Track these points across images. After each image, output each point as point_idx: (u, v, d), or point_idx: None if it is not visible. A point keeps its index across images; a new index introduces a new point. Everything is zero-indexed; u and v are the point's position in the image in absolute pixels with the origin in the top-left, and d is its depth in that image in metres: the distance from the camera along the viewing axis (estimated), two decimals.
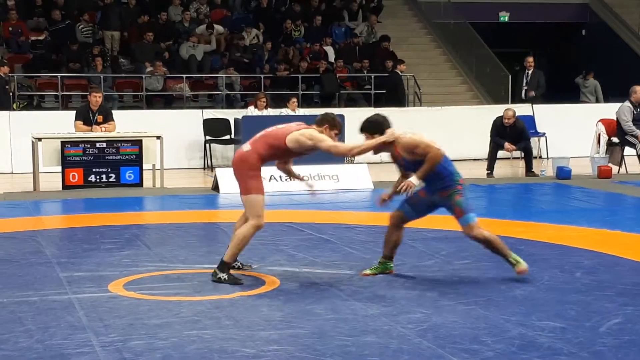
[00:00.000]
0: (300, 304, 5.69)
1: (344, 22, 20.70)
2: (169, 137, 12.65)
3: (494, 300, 5.77)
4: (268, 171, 11.68)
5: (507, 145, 12.91)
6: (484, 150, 13.56)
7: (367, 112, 16.11)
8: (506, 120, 12.95)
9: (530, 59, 16.97)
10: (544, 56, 22.52)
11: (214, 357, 4.58)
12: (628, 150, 13.19)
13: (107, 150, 11.66)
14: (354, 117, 14.88)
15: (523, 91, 16.94)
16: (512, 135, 12.98)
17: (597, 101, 18.52)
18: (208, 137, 14.61)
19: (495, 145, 13.04)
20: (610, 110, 13.53)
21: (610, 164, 12.89)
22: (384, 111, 16.31)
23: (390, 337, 4.93)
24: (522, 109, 15.06)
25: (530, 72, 16.97)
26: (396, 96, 17.34)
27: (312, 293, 5.98)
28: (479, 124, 15.23)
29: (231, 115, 14.85)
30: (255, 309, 5.56)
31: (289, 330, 5.08)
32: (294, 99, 14.71)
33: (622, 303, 5.63)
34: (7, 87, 15.45)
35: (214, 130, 14.70)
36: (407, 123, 15.73)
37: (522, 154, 13.40)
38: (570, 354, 4.58)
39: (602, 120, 13.53)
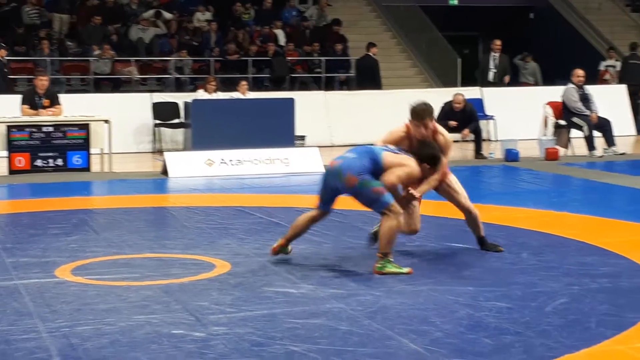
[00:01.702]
0: (251, 287, 5.68)
1: (294, 5, 20.62)
2: (117, 121, 12.51)
3: (442, 281, 5.81)
4: (218, 155, 11.66)
5: (451, 122, 12.90)
6: None
7: (318, 95, 16.22)
8: (457, 105, 13.02)
9: (498, 42, 17.00)
10: (492, 40, 22.68)
11: (163, 341, 4.55)
12: (575, 132, 13.36)
13: (53, 135, 11.51)
14: (305, 100, 14.98)
15: (492, 74, 16.98)
16: (462, 119, 13.05)
17: (536, 83, 18.76)
18: (157, 121, 14.49)
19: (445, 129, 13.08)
20: (557, 92, 13.68)
21: (557, 146, 13.04)
22: (357, 94, 16.41)
23: (340, 319, 4.95)
24: (470, 92, 15.15)
25: (497, 55, 17.03)
26: (373, 80, 17.29)
27: (262, 276, 5.97)
28: None
29: (180, 98, 14.74)
30: (205, 293, 5.53)
31: (239, 313, 5.07)
32: (244, 83, 14.63)
33: (567, 283, 5.71)
34: (5, 70, 15.15)
35: (163, 114, 14.58)
36: (358, 106, 15.85)
37: (472, 137, 13.49)
38: (517, 334, 4.64)
39: (550, 103, 13.68)
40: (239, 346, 4.48)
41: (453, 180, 6.75)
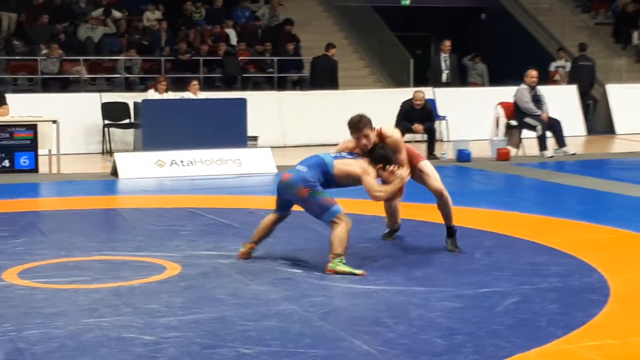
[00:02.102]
0: (202, 289, 5.62)
1: (246, 4, 20.53)
2: (66, 122, 12.34)
3: (395, 282, 5.81)
4: (169, 156, 11.55)
5: (415, 125, 13.00)
6: None
7: (270, 95, 16.16)
8: (417, 102, 13.10)
9: (448, 42, 17.08)
10: (444, 40, 22.83)
11: (112, 345, 4.48)
12: (526, 133, 13.48)
13: (0, 136, 11.30)
14: (257, 100, 14.91)
15: (444, 75, 17.05)
16: (421, 117, 13.13)
17: (484, 84, 18.92)
18: (107, 122, 14.31)
19: (402, 130, 13.12)
20: (508, 93, 13.79)
21: (508, 147, 13.15)
22: (310, 94, 16.36)
23: (292, 320, 4.91)
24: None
25: (447, 56, 17.10)
26: (332, 81, 17.25)
27: (213, 279, 5.91)
28: (381, 107, 15.32)
29: (131, 98, 14.56)
30: (155, 296, 5.46)
31: (189, 316, 5.00)
32: (196, 82, 14.51)
33: (518, 282, 5.74)
34: None
35: (113, 114, 14.41)
36: (311, 106, 15.83)
37: (425, 137, 13.55)
38: (469, 334, 4.64)
39: (501, 104, 13.78)
40: (189, 349, 4.42)
41: (426, 164, 6.91)
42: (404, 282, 5.79)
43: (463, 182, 11.19)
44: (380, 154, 6.42)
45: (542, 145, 13.13)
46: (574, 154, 13.28)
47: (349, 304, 5.24)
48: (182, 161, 11.55)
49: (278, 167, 11.84)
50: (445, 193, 6.87)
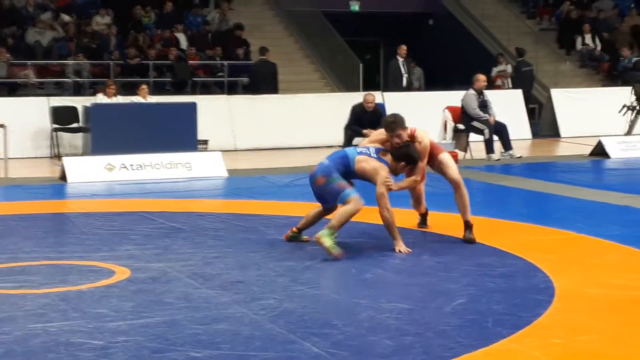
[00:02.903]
0: (151, 293, 5.61)
1: (198, 11, 20.48)
2: (14, 126, 12.22)
3: (344, 284, 5.86)
4: (118, 160, 11.48)
5: (366, 131, 13.08)
6: (336, 137, 13.73)
7: (221, 99, 16.13)
8: (368, 105, 13.19)
9: (404, 47, 17.19)
10: (393, 45, 23.00)
11: (60, 350, 4.45)
12: (473, 137, 13.64)
13: None
14: (208, 104, 14.89)
15: (404, 79, 17.16)
16: (372, 120, 13.21)
17: (420, 88, 19.11)
18: (55, 126, 14.18)
19: (352, 133, 13.22)
20: (456, 97, 13.95)
21: (456, 150, 13.28)
22: (261, 99, 16.35)
23: (242, 324, 4.93)
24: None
25: (403, 60, 17.20)
26: (273, 84, 17.26)
27: (163, 282, 5.90)
28: (331, 112, 15.43)
29: (79, 103, 14.46)
30: (104, 300, 5.43)
31: (139, 320, 4.99)
32: (145, 87, 14.45)
33: (465, 284, 5.82)
34: None
35: (62, 118, 14.28)
36: (262, 111, 15.84)
37: None
38: (417, 334, 4.71)
39: (449, 108, 13.93)
40: (138, 353, 4.41)
41: (445, 156, 7.38)
42: (354, 284, 5.84)
43: None
44: (405, 152, 6.94)
45: (489, 149, 13.30)
46: (520, 157, 13.47)
47: (299, 307, 5.27)
48: (131, 165, 11.49)
49: (228, 170, 11.84)
50: (462, 185, 7.31)
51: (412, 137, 7.08)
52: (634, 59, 20.07)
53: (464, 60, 20.75)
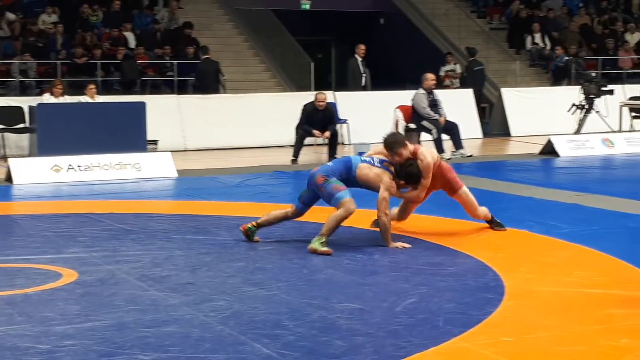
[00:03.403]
0: (99, 296, 5.52)
1: (144, 7, 20.28)
2: None
3: (296, 284, 5.82)
4: (65, 161, 11.31)
5: (315, 132, 13.09)
6: (288, 137, 13.69)
7: (170, 98, 15.98)
8: (320, 103, 13.17)
9: (363, 46, 17.16)
10: (345, 44, 23.02)
11: (6, 354, 4.35)
12: (424, 136, 13.69)
13: None
14: (157, 103, 14.74)
15: (363, 79, 17.15)
16: (324, 119, 13.20)
17: (366, 87, 19.14)
18: (1, 126, 13.93)
19: (303, 133, 13.19)
20: (407, 96, 13.98)
21: None
22: (210, 98, 16.24)
23: (192, 326, 4.87)
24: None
25: (361, 59, 17.20)
26: (217, 83, 17.16)
27: (111, 285, 5.81)
28: (282, 111, 15.39)
29: (25, 102, 14.22)
30: (51, 304, 5.33)
31: (86, 323, 4.91)
32: (93, 86, 14.25)
33: (416, 283, 5.82)
34: None
35: (7, 118, 14.05)
36: (212, 110, 15.74)
37: (327, 140, 13.62)
38: (368, 334, 4.69)
39: (400, 107, 13.97)
40: (86, 357, 4.33)
41: (464, 192, 7.44)
42: (305, 285, 5.81)
43: None
44: (408, 172, 7.01)
45: (439, 148, 13.35)
46: (470, 156, 13.56)
47: (249, 308, 5.22)
48: (79, 166, 11.33)
49: (178, 171, 11.73)
50: (482, 216, 7.50)
51: (415, 155, 7.11)
52: (565, 59, 20.30)
53: (415, 59, 20.83)
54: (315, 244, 6.68)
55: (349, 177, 6.96)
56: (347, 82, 17.40)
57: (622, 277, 5.97)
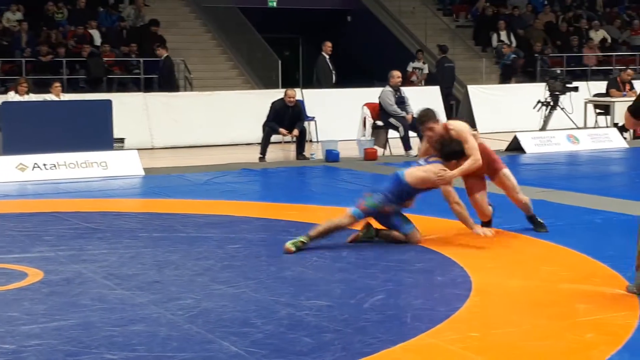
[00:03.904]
0: (65, 295, 5.47)
1: (110, 5, 20.14)
2: None
3: (264, 282, 5.81)
4: (31, 159, 11.21)
5: (281, 130, 13.08)
6: (255, 135, 13.67)
7: (137, 96, 15.89)
8: (289, 99, 13.16)
9: (329, 44, 17.17)
10: (312, 42, 23.03)
11: None
12: (392, 133, 13.72)
13: None
14: (123, 101, 14.65)
15: (333, 76, 17.17)
16: (292, 116, 13.19)
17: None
18: None
19: (270, 130, 13.17)
20: (375, 94, 14.01)
21: (375, 147, 13.36)
22: (177, 96, 16.18)
23: (159, 324, 4.84)
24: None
25: (330, 57, 17.21)
26: (175, 81, 17.13)
27: (77, 284, 5.76)
28: (250, 109, 15.35)
29: None
30: (16, 303, 5.27)
31: (52, 323, 4.86)
32: (58, 84, 14.11)
33: (385, 279, 5.84)
34: None
35: None
36: (179, 108, 15.67)
37: (294, 138, 13.61)
38: (336, 331, 4.69)
39: (367, 104, 13.99)
40: (52, 357, 4.30)
41: (507, 173, 7.34)
42: (273, 282, 5.79)
43: (332, 182, 11.30)
44: (447, 150, 6.94)
45: (406, 145, 13.40)
46: None
47: (217, 306, 5.20)
48: (45, 165, 11.22)
49: (145, 169, 11.66)
50: (524, 200, 7.38)
51: (446, 128, 7.12)
52: (512, 56, 20.42)
53: (382, 57, 20.89)
54: (291, 242, 6.59)
55: (402, 190, 6.89)
56: (317, 80, 17.41)
57: (588, 272, 6.03)
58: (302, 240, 6.64)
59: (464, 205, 6.89)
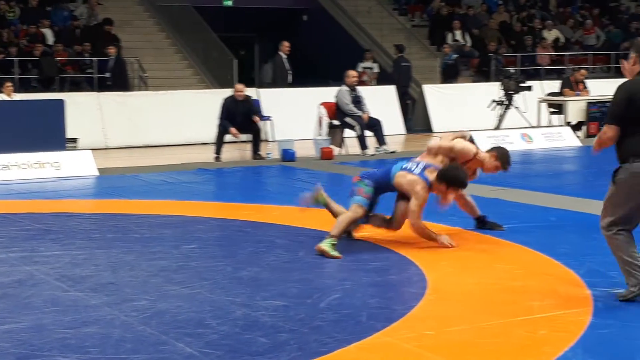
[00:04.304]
0: (17, 298, 5.39)
1: (63, 4, 19.89)
2: None
3: (219, 282, 5.77)
4: None
5: (232, 129, 13.04)
6: (211, 134, 13.59)
7: (90, 96, 15.71)
8: (238, 94, 13.11)
9: (287, 43, 17.12)
10: (268, 41, 22.97)
11: None
12: (348, 132, 13.74)
13: None
14: (77, 101, 14.49)
15: (289, 76, 17.12)
16: (244, 111, 13.14)
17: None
18: None
19: (223, 129, 13.11)
20: (331, 93, 14.01)
21: (331, 146, 13.37)
22: (131, 95, 16.05)
23: (113, 326, 4.79)
24: (247, 92, 15.23)
25: (287, 57, 17.17)
26: (127, 81, 16.99)
27: (30, 286, 5.68)
28: (205, 108, 15.26)
29: None
30: None
31: (3, 326, 4.79)
32: (9, 84, 13.94)
33: (341, 279, 5.84)
34: None
35: None
36: (134, 108, 15.54)
37: (250, 137, 13.57)
38: (292, 331, 4.68)
39: (323, 104, 13.99)
40: None
41: None
42: (229, 283, 5.76)
43: (288, 181, 11.27)
44: (448, 175, 6.71)
45: (362, 145, 13.44)
46: (393, 152, 13.66)
47: (172, 307, 5.16)
48: None
49: (99, 169, 11.54)
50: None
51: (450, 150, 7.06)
52: (454, 56, 20.52)
53: (338, 56, 20.89)
54: (327, 246, 6.47)
55: (389, 183, 6.90)
56: (273, 79, 17.36)
57: (542, 269, 6.08)
58: (333, 242, 6.53)
59: (423, 223, 6.77)
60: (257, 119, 13.26)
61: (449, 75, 20.13)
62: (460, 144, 7.18)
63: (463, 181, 6.77)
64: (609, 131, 5.09)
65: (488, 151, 7.35)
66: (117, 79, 16.84)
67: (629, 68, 5.17)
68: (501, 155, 7.29)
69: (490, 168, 7.25)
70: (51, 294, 5.47)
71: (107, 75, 17.19)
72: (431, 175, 6.79)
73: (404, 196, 6.93)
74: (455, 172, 6.78)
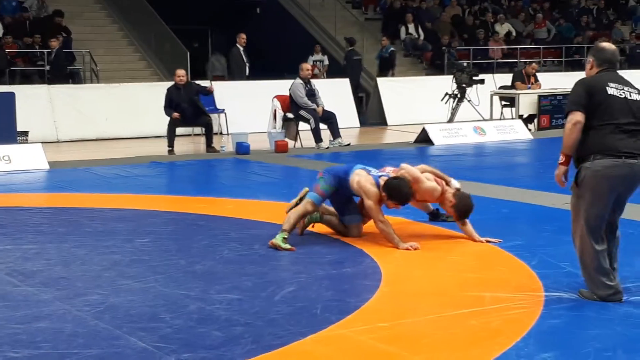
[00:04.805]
0: None
1: None
2: None
3: (173, 276, 5.74)
4: None
5: (175, 114, 12.89)
6: (164, 127, 13.47)
7: (41, 89, 15.50)
8: (179, 78, 13.03)
9: (244, 35, 17.06)
10: (222, 34, 22.86)
11: None
12: (302, 125, 13.73)
13: None
14: (27, 94, 14.29)
15: (247, 68, 17.05)
16: (188, 95, 13.04)
17: (224, 77, 19.11)
18: None
19: (173, 121, 12.99)
20: (285, 86, 13.99)
21: (286, 139, 13.35)
22: (83, 88, 15.85)
23: (65, 321, 4.74)
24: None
25: (244, 49, 17.09)
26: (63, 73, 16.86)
27: None
28: (158, 101, 15.10)
29: None
30: None
31: None
32: None
33: (296, 271, 5.84)
34: None
35: None
36: (85, 100, 15.36)
37: (203, 130, 13.49)
38: (247, 324, 4.67)
39: (278, 97, 13.97)
40: None
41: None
42: (183, 276, 5.73)
43: (242, 174, 11.23)
44: (391, 185, 6.62)
45: (317, 138, 13.44)
46: (348, 145, 13.68)
47: (125, 301, 5.12)
48: None
49: (50, 163, 11.40)
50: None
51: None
52: (390, 49, 20.56)
53: (292, 49, 20.87)
54: (279, 240, 6.45)
55: (344, 184, 6.75)
56: (230, 72, 17.27)
57: (495, 261, 6.14)
58: (284, 236, 6.51)
59: (389, 222, 6.67)
60: (211, 87, 13.28)
61: (384, 68, 19.99)
62: (429, 184, 6.96)
63: (404, 198, 6.66)
64: (576, 116, 4.87)
65: (454, 193, 6.95)
66: (56, 71, 16.63)
67: (587, 73, 5.18)
68: (459, 207, 6.89)
69: (446, 209, 7.12)
70: (1, 289, 5.39)
71: (47, 68, 16.99)
72: (382, 180, 6.75)
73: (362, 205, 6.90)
74: (400, 186, 6.64)
